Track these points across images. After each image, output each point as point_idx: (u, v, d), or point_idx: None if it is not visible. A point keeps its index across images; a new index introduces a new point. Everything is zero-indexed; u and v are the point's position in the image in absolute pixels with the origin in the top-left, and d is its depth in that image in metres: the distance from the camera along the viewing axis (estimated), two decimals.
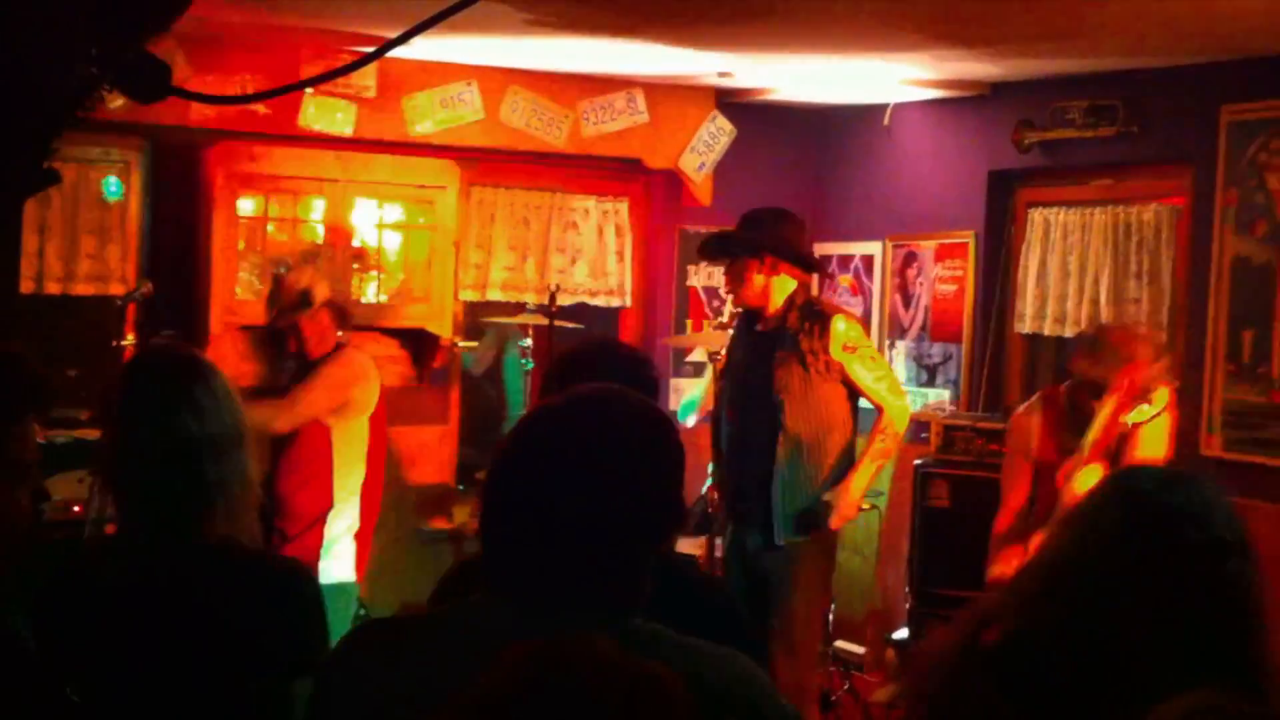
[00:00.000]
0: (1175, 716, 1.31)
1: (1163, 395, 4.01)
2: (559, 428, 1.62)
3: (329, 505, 4.56)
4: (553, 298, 5.98)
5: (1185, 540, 1.82)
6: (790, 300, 4.61)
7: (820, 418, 4.55)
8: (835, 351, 4.53)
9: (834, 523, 4.53)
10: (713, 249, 4.82)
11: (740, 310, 4.87)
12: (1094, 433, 3.95)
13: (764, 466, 4.53)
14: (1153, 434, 4.16)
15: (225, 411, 2.27)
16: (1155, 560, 1.81)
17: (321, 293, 4.67)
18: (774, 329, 4.61)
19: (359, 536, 4.64)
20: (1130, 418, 4.00)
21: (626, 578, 1.60)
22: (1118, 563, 1.83)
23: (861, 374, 4.56)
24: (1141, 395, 3.98)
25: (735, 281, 4.65)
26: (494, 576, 1.62)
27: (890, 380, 4.68)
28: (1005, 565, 4.20)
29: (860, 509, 4.71)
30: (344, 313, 4.76)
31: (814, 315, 4.59)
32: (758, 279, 4.59)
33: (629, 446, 1.61)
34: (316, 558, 4.51)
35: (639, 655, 1.28)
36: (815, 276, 4.77)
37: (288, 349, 4.71)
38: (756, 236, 4.60)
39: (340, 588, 4.51)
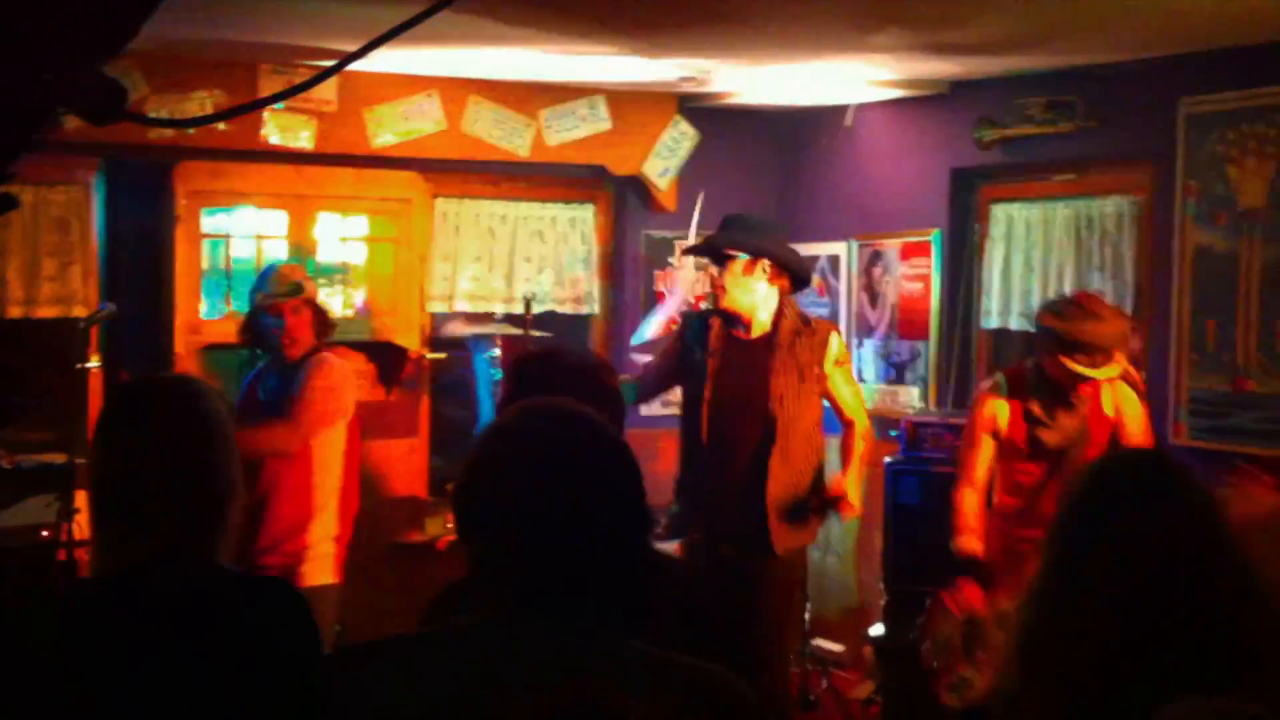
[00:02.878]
0: (1177, 718, 1.31)
1: (1121, 361, 4.18)
2: (525, 445, 1.62)
3: (311, 514, 4.56)
4: (528, 306, 5.98)
5: (1151, 524, 1.85)
6: (780, 309, 4.59)
7: (806, 428, 4.59)
8: (828, 364, 4.58)
9: (847, 514, 4.61)
10: (714, 250, 4.62)
11: (696, 312, 4.86)
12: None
13: (752, 475, 4.52)
14: (1135, 419, 4.34)
15: (212, 424, 2.25)
16: (1126, 543, 1.84)
17: (311, 289, 4.68)
18: (763, 337, 4.58)
19: (338, 540, 4.64)
20: (1093, 373, 4.15)
21: (615, 593, 1.59)
22: (1095, 545, 1.86)
23: (843, 389, 4.65)
24: (1105, 352, 4.13)
25: (732, 285, 4.54)
26: (485, 596, 1.61)
27: (861, 399, 4.81)
28: (974, 540, 4.32)
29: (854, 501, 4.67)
30: (326, 321, 4.72)
31: (810, 327, 4.62)
32: (758, 285, 4.55)
33: (593, 460, 1.61)
34: (298, 563, 4.52)
35: (632, 685, 1.27)
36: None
37: (263, 344, 4.68)
38: (760, 242, 4.56)
39: (321, 591, 4.52)
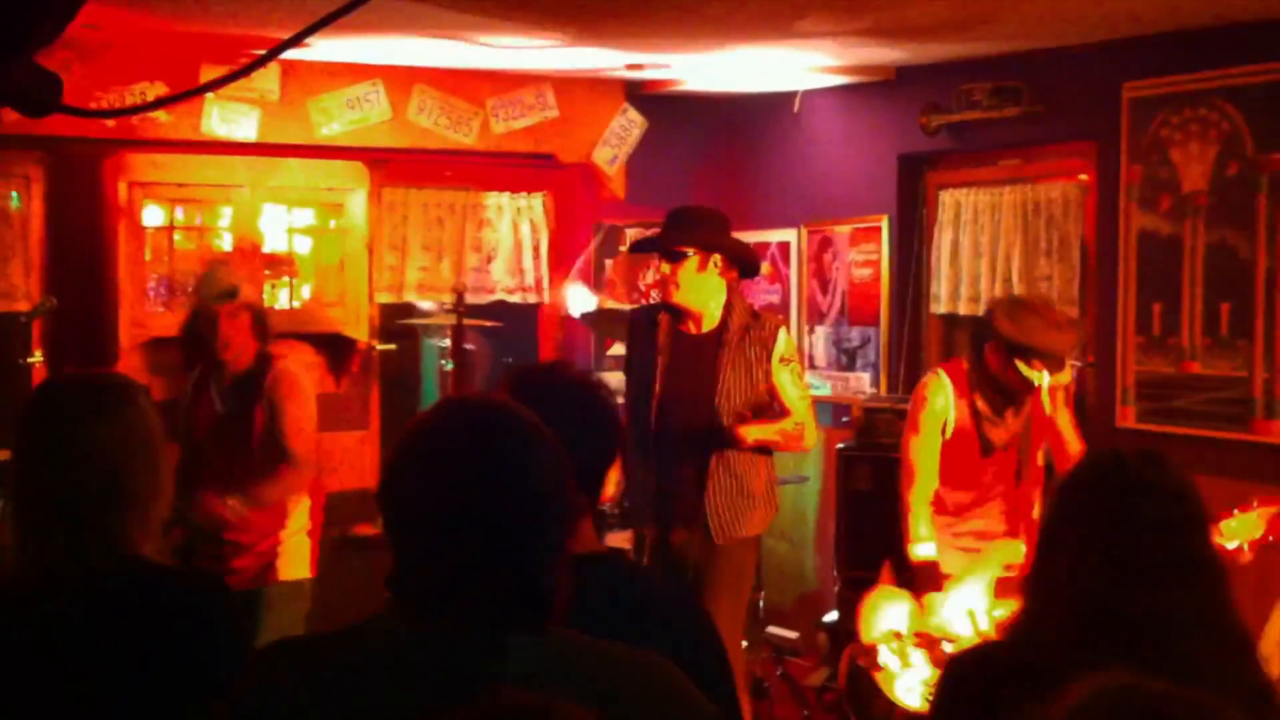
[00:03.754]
0: (1087, 694, 1.31)
1: (1070, 368, 4.21)
2: (444, 441, 1.62)
3: (286, 513, 4.55)
4: (460, 298, 5.93)
5: (1141, 507, 1.93)
6: (729, 303, 4.59)
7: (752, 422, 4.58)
8: (774, 360, 4.55)
9: (741, 435, 4.48)
10: (664, 246, 4.55)
11: (644, 307, 4.84)
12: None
13: (698, 467, 4.51)
14: (1068, 427, 4.36)
15: (138, 424, 2.24)
16: (1110, 520, 1.92)
17: (247, 293, 4.59)
18: (713, 332, 4.57)
19: (311, 534, 4.66)
20: (1051, 380, 4.13)
21: (532, 583, 1.59)
22: (1080, 523, 1.94)
23: (789, 388, 4.57)
24: (1058, 362, 4.13)
25: (685, 281, 4.49)
26: (404, 591, 1.61)
27: (809, 403, 4.66)
28: (926, 548, 4.29)
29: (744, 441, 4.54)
30: (266, 324, 4.61)
31: (758, 321, 4.59)
32: (709, 280, 4.52)
33: (511, 448, 1.61)
34: (273, 559, 4.51)
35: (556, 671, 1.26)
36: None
37: (200, 350, 4.62)
38: (710, 236, 4.52)
39: (296, 586, 4.51)
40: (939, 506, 4.39)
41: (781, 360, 4.57)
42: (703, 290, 4.52)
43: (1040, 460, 4.40)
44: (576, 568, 1.66)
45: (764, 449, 4.61)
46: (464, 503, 1.57)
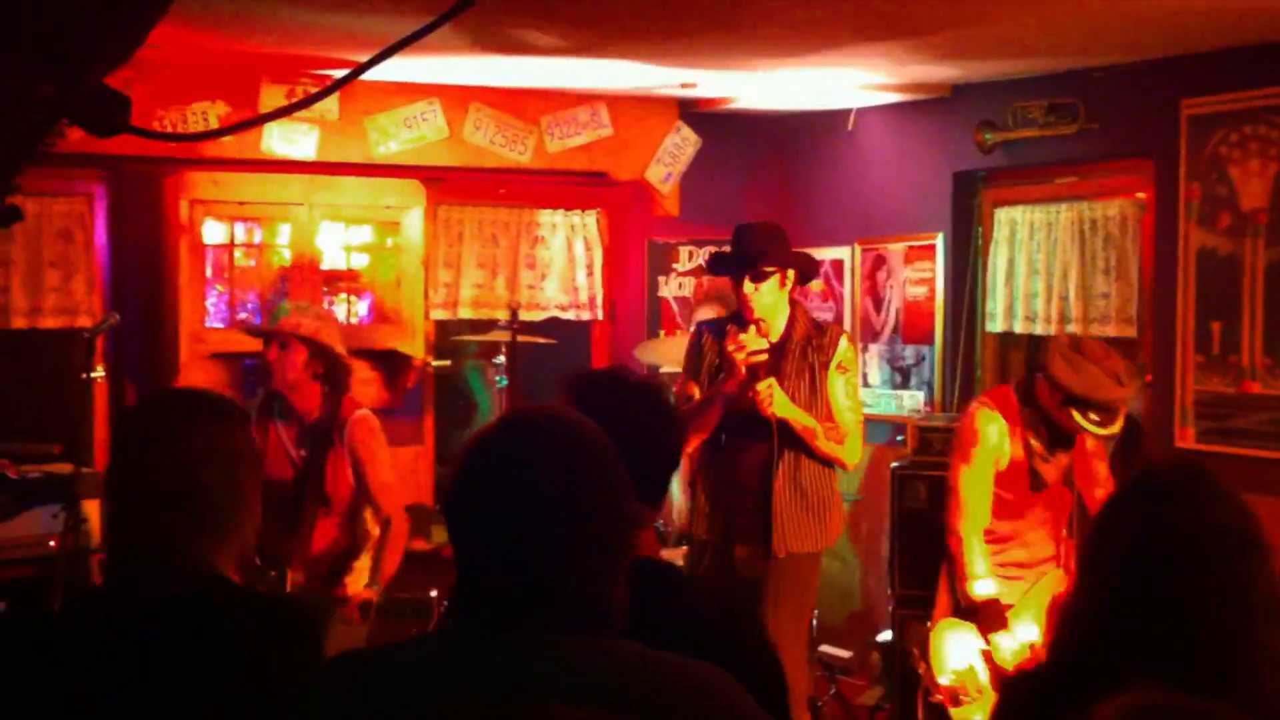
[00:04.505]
0: (1114, 714, 1.31)
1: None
2: (505, 453, 1.63)
3: (348, 543, 4.58)
4: (514, 315, 5.97)
5: (1183, 523, 1.87)
6: (792, 315, 4.62)
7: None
8: (832, 366, 4.57)
9: (763, 402, 4.38)
10: (756, 266, 4.53)
11: (713, 321, 4.85)
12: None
13: (763, 479, 4.52)
14: (1103, 467, 4.33)
15: (222, 443, 2.27)
16: (1153, 542, 1.86)
17: (310, 329, 4.45)
18: (776, 343, 4.58)
19: (373, 548, 4.60)
20: (1104, 431, 4.13)
21: (593, 595, 1.60)
22: (1122, 546, 1.89)
23: (839, 396, 4.58)
24: (1116, 414, 4.10)
25: (768, 297, 4.52)
26: (466, 602, 1.62)
27: (858, 418, 4.64)
28: (986, 586, 4.26)
29: (775, 413, 4.44)
30: (333, 367, 4.49)
31: (821, 331, 4.65)
32: (785, 294, 4.58)
33: (574, 460, 1.62)
34: (344, 573, 4.52)
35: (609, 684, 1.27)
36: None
37: (262, 378, 4.66)
38: (788, 253, 4.60)
39: (356, 602, 4.53)
40: (985, 536, 4.37)
41: (838, 367, 4.59)
42: (779, 304, 4.58)
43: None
44: (635, 576, 1.67)
45: (827, 462, 4.60)
46: (526, 513, 1.59)
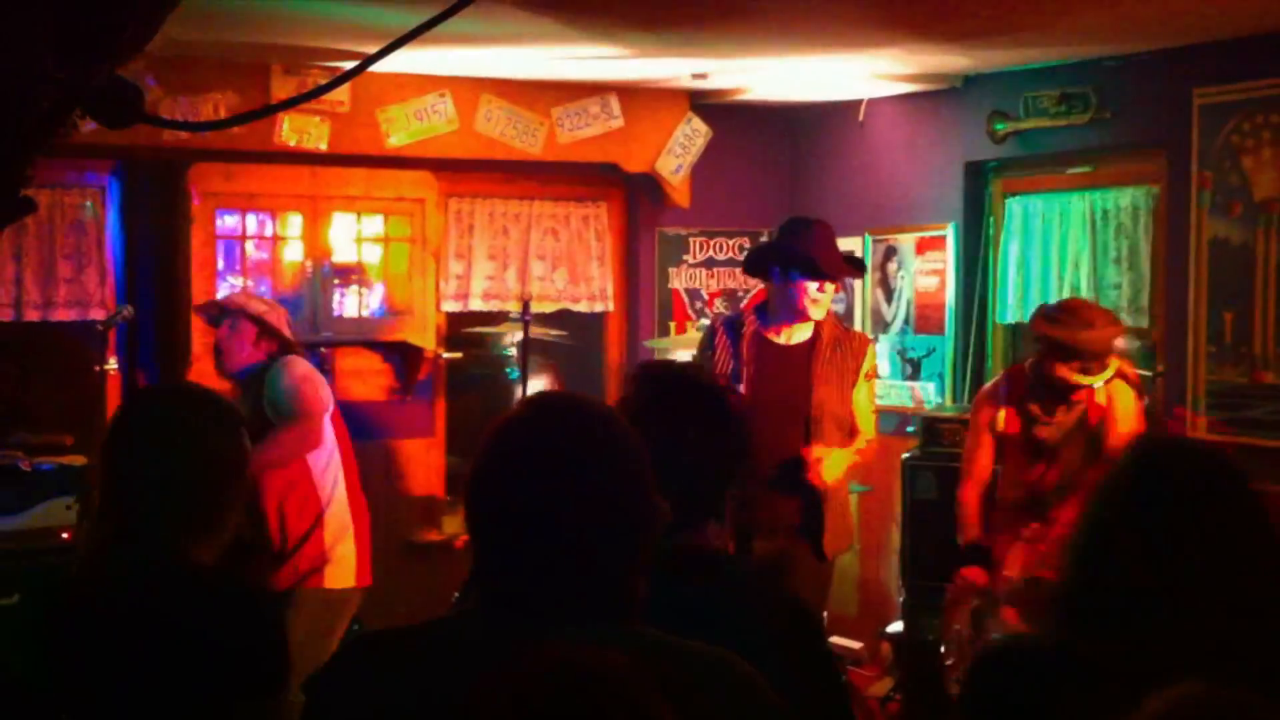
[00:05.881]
0: (1162, 707, 1.32)
1: (1113, 365, 4.33)
2: (530, 438, 1.64)
3: (318, 510, 4.54)
4: (526, 306, 5.97)
5: (1186, 492, 1.89)
6: (825, 318, 4.64)
7: (842, 435, 4.60)
8: (861, 373, 4.59)
9: (814, 477, 4.42)
10: (835, 274, 4.59)
11: (729, 316, 4.86)
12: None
13: (783, 475, 4.50)
14: (1126, 411, 4.41)
15: (210, 444, 2.29)
16: (1157, 510, 1.88)
17: (256, 309, 4.60)
18: (803, 343, 4.59)
19: (357, 539, 4.62)
20: (1084, 380, 4.29)
21: (612, 583, 1.60)
22: (1126, 512, 1.90)
23: (864, 400, 4.65)
24: (1097, 359, 4.27)
25: (827, 300, 4.56)
26: (486, 586, 1.63)
27: (875, 418, 4.77)
28: (976, 530, 4.55)
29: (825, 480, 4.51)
30: (285, 349, 4.60)
31: (848, 334, 4.70)
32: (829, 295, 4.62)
33: (599, 451, 1.63)
34: (321, 566, 4.52)
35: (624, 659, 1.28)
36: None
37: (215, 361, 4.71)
38: (858, 263, 4.75)
39: (340, 595, 4.53)
40: (1000, 502, 4.57)
41: (868, 375, 4.65)
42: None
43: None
44: (686, 568, 1.68)
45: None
46: (546, 500, 1.59)
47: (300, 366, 4.57)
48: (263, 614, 2.27)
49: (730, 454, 2.21)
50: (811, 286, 4.52)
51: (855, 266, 4.73)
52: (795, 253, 4.53)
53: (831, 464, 4.46)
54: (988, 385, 4.75)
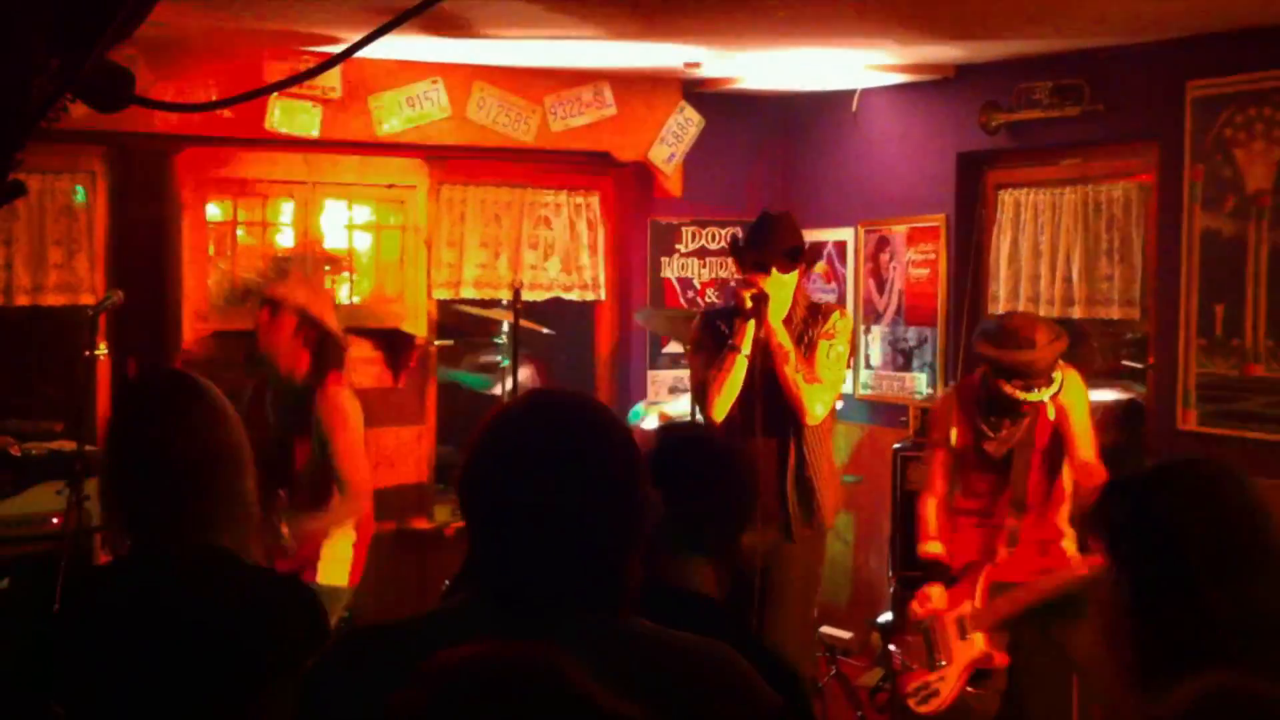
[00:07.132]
0: (1189, 699, 1.32)
1: (1059, 377, 4.33)
2: (526, 432, 1.64)
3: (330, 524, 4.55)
4: (517, 295, 5.94)
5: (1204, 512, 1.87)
6: (794, 298, 4.64)
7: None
8: (819, 334, 4.59)
9: (760, 311, 4.47)
10: (779, 260, 4.57)
11: (717, 310, 4.88)
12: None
13: (775, 463, 4.55)
14: (1081, 423, 4.42)
15: (222, 431, 2.30)
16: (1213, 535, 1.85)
17: (297, 298, 4.55)
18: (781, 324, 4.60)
19: (356, 547, 4.63)
20: (1029, 397, 4.31)
21: (606, 576, 1.60)
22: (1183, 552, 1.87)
23: (821, 355, 4.60)
24: (1040, 377, 4.28)
25: (783, 289, 4.57)
26: (481, 579, 1.63)
27: (835, 380, 4.64)
28: (935, 544, 4.62)
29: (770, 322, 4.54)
30: (324, 340, 4.55)
31: (815, 308, 4.70)
32: (795, 280, 4.61)
33: (590, 441, 1.64)
34: (315, 560, 4.52)
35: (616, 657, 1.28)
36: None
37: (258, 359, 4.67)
38: (804, 245, 4.67)
39: (330, 591, 4.53)
40: (957, 511, 4.64)
41: (824, 334, 4.62)
42: (791, 290, 4.61)
43: (1068, 485, 4.44)
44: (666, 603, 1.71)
45: (827, 441, 4.68)
46: (539, 492, 1.60)
47: (350, 415, 4.50)
48: (299, 593, 2.27)
49: (742, 510, 2.33)
50: (774, 275, 4.54)
51: (790, 257, 4.54)
52: (737, 245, 4.69)
53: (782, 332, 4.50)
54: (939, 398, 4.81)
